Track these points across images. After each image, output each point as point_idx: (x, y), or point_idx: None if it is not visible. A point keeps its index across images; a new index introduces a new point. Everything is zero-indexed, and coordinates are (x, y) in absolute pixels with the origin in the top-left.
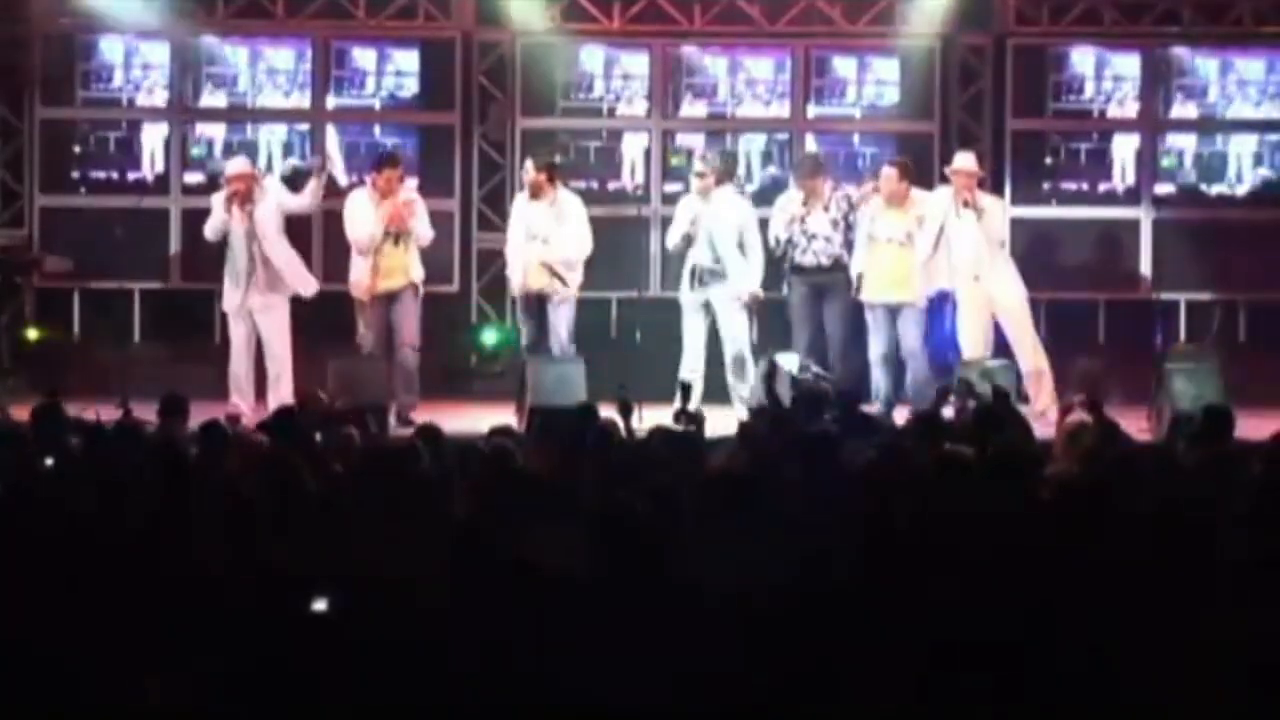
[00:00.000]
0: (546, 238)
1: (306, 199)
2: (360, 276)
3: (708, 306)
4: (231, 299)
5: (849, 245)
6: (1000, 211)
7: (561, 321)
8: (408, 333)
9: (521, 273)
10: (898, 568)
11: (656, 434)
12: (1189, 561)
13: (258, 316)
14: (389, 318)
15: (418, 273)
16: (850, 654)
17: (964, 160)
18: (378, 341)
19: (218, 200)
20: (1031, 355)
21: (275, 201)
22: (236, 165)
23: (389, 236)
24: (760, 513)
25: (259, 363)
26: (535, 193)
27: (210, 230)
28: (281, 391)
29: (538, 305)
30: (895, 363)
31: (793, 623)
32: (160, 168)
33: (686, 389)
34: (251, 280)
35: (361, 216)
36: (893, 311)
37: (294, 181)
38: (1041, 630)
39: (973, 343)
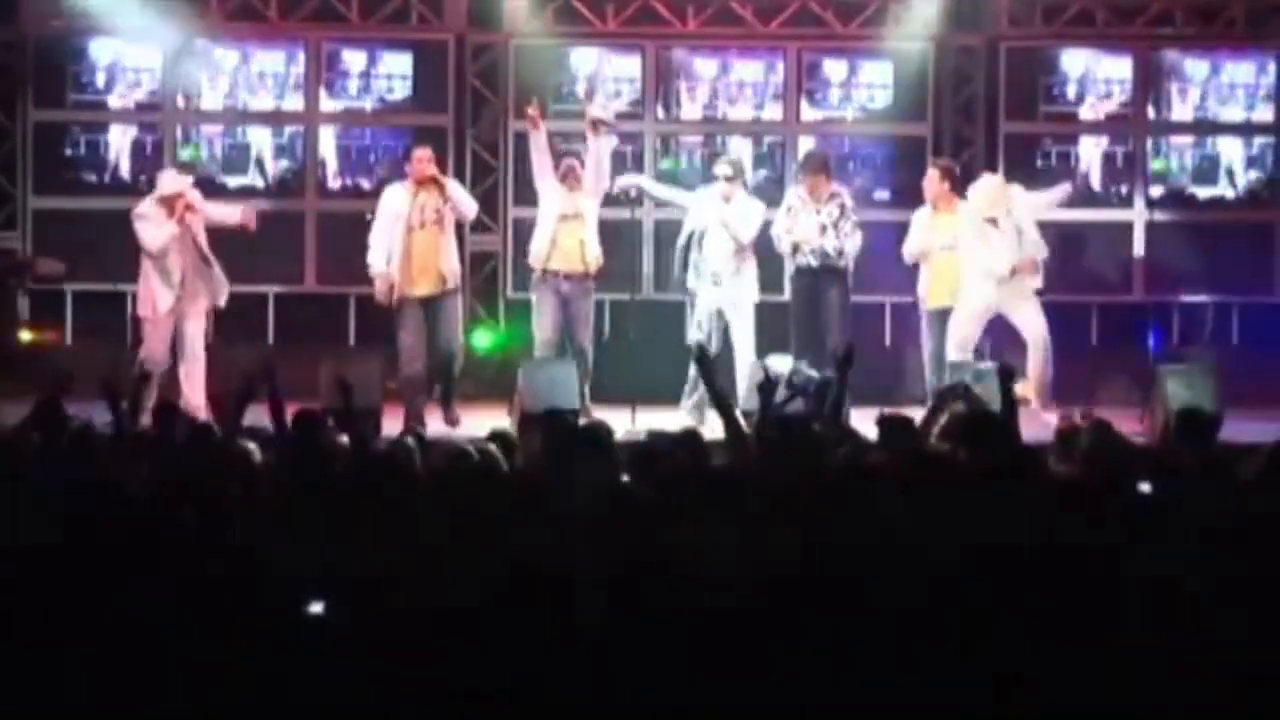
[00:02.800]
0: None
1: (223, 214)
2: (391, 270)
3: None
4: (165, 302)
5: (840, 250)
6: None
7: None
8: (450, 340)
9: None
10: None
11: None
12: (1185, 561)
13: (191, 321)
14: (430, 325)
15: (450, 267)
16: (839, 650)
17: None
18: (419, 350)
19: (157, 212)
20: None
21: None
22: (181, 182)
23: (422, 228)
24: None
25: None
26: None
27: (159, 242)
28: (198, 389)
29: (558, 294)
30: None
31: (783, 620)
32: (153, 170)
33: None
34: (185, 286)
35: (383, 212)
36: (944, 315)
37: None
38: (1034, 628)
39: (960, 343)
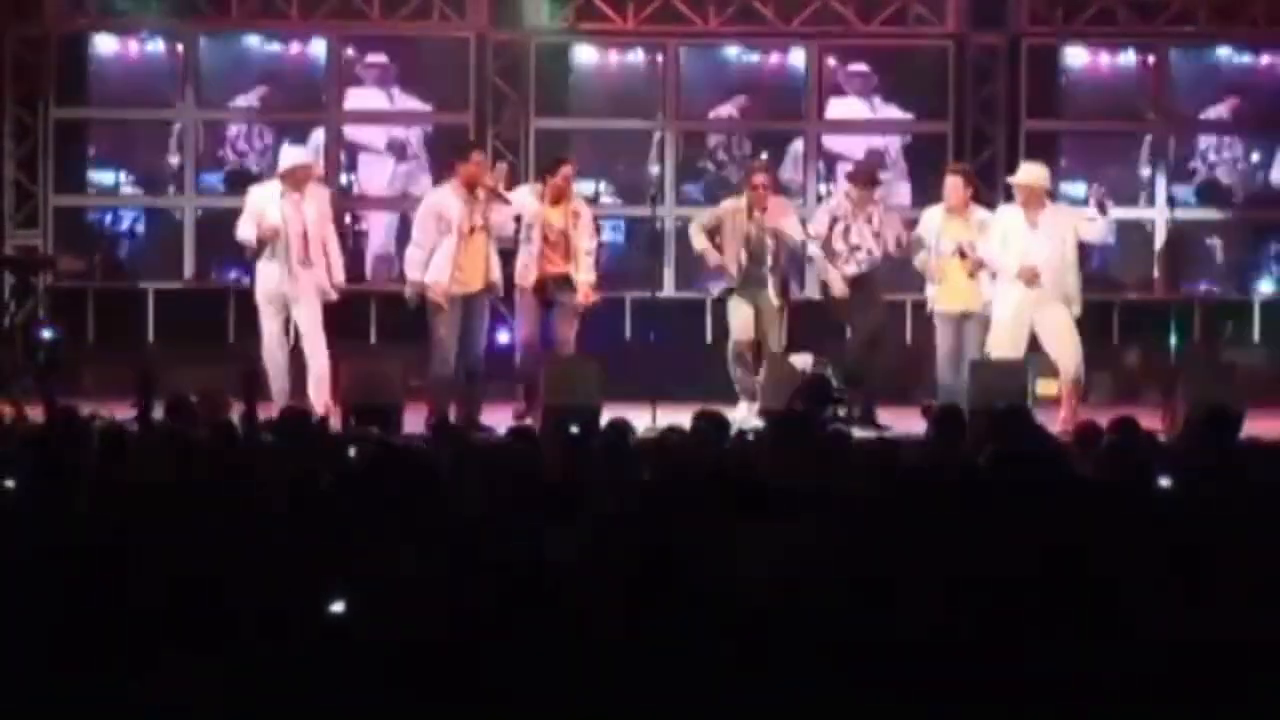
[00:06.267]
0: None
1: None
2: (439, 276)
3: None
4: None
5: (893, 242)
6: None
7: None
8: (478, 342)
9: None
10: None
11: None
12: (1197, 559)
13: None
14: (465, 323)
15: (497, 272)
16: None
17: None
18: (453, 347)
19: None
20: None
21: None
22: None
23: (472, 234)
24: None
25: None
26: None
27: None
28: (324, 389)
29: (544, 304)
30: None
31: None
32: (174, 167)
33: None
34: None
35: (432, 216)
36: (959, 319)
37: None
38: (1044, 626)
39: (999, 343)
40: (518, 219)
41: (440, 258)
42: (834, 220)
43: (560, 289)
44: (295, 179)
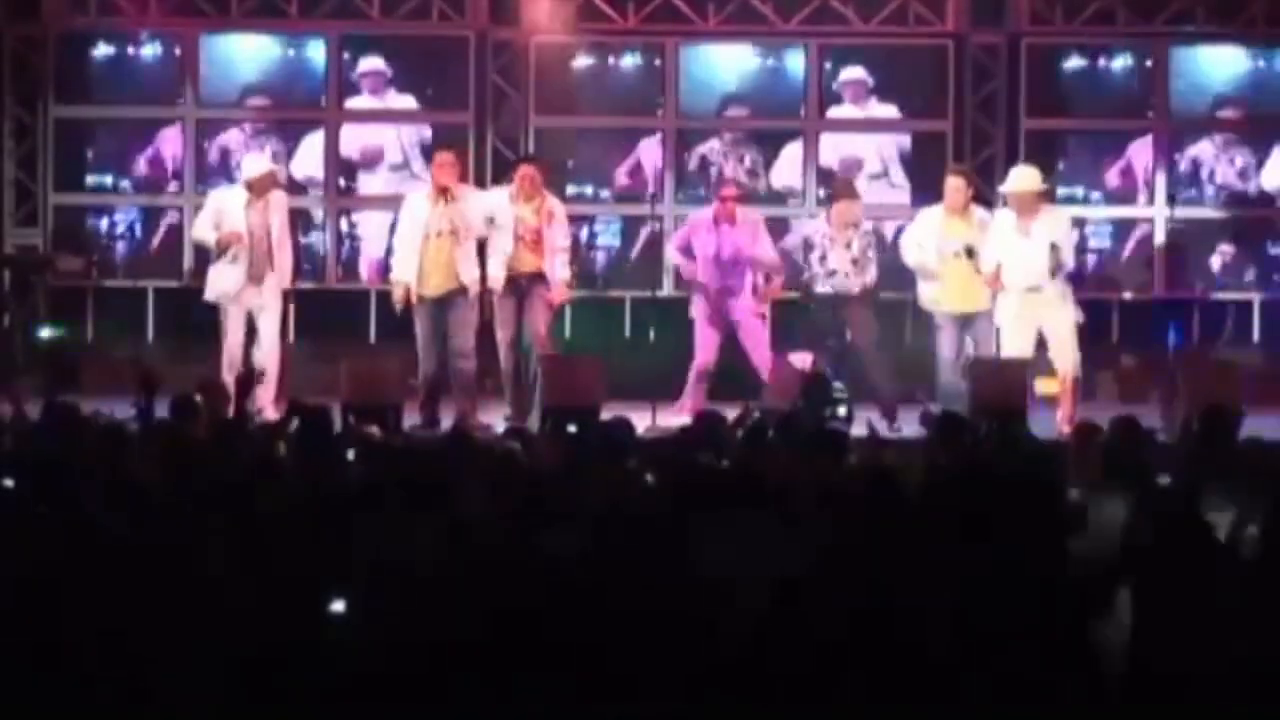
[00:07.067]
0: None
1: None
2: (408, 277)
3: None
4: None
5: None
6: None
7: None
8: (462, 341)
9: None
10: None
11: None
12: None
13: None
14: (441, 325)
15: (468, 274)
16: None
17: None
18: (431, 349)
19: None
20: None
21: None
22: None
23: (439, 237)
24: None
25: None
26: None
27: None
28: (270, 389)
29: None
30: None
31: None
32: (174, 167)
33: None
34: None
35: (405, 217)
36: (962, 320)
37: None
38: (1045, 628)
39: (1007, 346)
40: (490, 220)
41: (411, 259)
42: (808, 244)
43: (531, 284)
44: (260, 186)
